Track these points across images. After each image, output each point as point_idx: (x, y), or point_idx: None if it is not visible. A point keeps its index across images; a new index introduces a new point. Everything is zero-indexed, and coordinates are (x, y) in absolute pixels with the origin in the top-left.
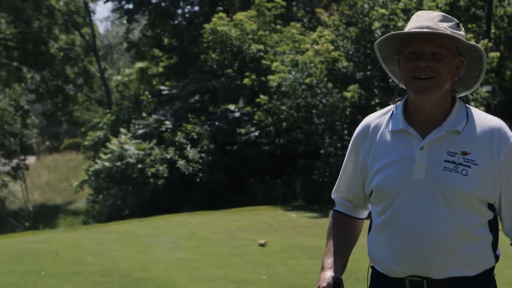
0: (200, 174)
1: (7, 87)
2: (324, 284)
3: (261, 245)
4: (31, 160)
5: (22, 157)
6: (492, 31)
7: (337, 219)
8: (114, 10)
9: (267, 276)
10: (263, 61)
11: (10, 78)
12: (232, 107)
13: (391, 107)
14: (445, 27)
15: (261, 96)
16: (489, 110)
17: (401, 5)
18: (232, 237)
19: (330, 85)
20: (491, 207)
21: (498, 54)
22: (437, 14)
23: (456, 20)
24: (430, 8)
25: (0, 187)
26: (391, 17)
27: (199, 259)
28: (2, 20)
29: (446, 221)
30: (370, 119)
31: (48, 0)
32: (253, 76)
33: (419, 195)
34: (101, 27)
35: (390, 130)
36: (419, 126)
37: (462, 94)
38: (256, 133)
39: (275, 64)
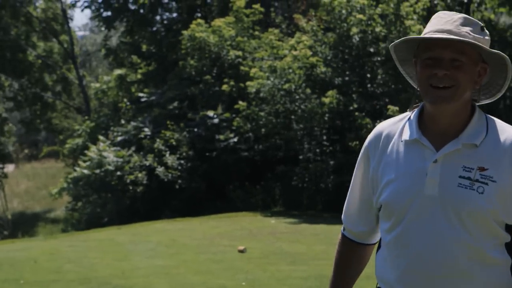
0: (179, 181)
1: None
2: None
3: (241, 251)
4: (9, 168)
5: (0, 165)
6: None
7: (344, 246)
8: (92, 18)
9: (247, 283)
10: (242, 67)
11: None
12: (211, 113)
13: (406, 114)
14: (467, 32)
15: (240, 102)
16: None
17: (378, 10)
18: (211, 243)
19: (308, 90)
20: (509, 228)
21: None
22: (459, 16)
23: (480, 23)
24: (407, 14)
25: None
26: (369, 22)
27: (178, 266)
28: None
29: (460, 242)
30: (383, 126)
31: (26, 8)
32: (232, 82)
33: (430, 212)
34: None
35: (403, 139)
36: (434, 137)
37: (484, 102)
38: (235, 139)
39: (253, 70)
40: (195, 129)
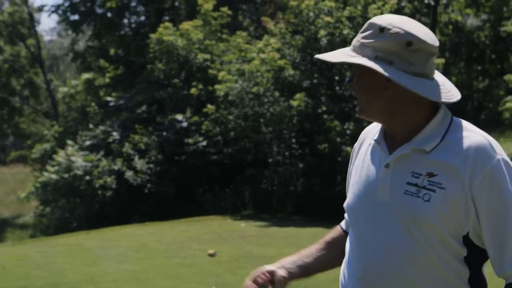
0: (149, 185)
1: None
2: (254, 276)
3: (210, 255)
4: None
5: None
6: (437, 38)
7: (333, 231)
8: (60, 22)
9: (216, 286)
10: (210, 71)
11: None
12: (179, 117)
13: None
14: (358, 40)
15: (209, 105)
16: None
17: (346, 13)
18: (181, 247)
19: (277, 93)
20: (466, 241)
21: (443, 60)
22: (366, 24)
23: (380, 24)
24: (374, 15)
25: None
26: (337, 25)
27: (147, 270)
28: None
29: (408, 254)
30: (368, 128)
31: None
32: (200, 86)
33: (381, 221)
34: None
35: (371, 142)
36: (390, 140)
37: (450, 102)
38: (204, 143)
39: (221, 73)
40: (164, 133)
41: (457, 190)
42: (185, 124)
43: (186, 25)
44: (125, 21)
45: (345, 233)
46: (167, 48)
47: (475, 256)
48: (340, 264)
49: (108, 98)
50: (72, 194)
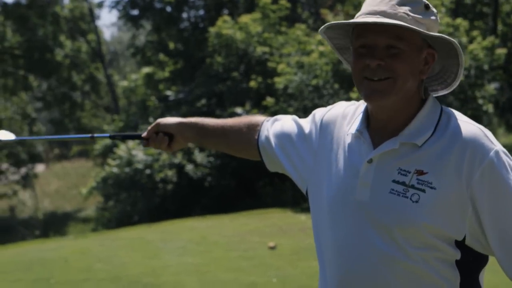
0: (209, 179)
1: (14, 96)
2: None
3: (271, 248)
4: (40, 168)
5: (30, 166)
6: (499, 28)
7: (250, 128)
8: (120, 17)
9: (277, 279)
10: (269, 64)
11: (17, 87)
12: (239, 110)
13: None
14: (405, 12)
15: (268, 98)
16: (497, 107)
17: None
18: (242, 240)
19: (336, 86)
20: (459, 244)
21: (505, 50)
22: None
23: (424, 0)
24: (436, 7)
25: (10, 195)
26: None
27: (208, 263)
28: (7, 29)
29: (391, 261)
30: (346, 107)
31: (53, 8)
32: (259, 79)
33: (360, 222)
34: (107, 33)
35: (349, 132)
36: (376, 132)
37: (440, 94)
38: None
39: (281, 66)
40: None
41: (450, 190)
42: None
43: (244, 18)
44: (184, 15)
45: (256, 145)
46: (226, 42)
47: (469, 261)
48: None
49: (168, 92)
50: (133, 188)
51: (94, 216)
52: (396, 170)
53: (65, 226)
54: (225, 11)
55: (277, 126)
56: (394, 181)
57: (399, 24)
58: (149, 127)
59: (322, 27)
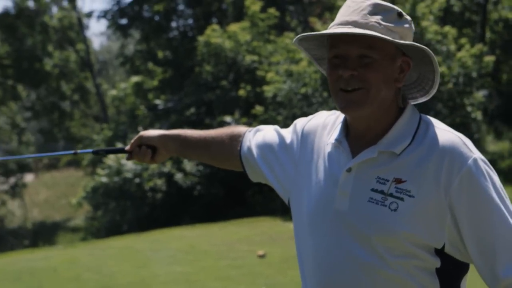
0: (198, 187)
1: (3, 105)
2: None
3: (260, 256)
4: (29, 178)
5: (19, 175)
6: (487, 35)
7: (231, 140)
8: (108, 26)
9: None
10: (258, 72)
11: (6, 97)
12: (228, 119)
13: None
14: (376, 21)
15: (257, 107)
16: (486, 115)
17: None
18: (231, 249)
19: (325, 94)
20: (439, 253)
21: (493, 58)
22: (369, 3)
23: (397, 9)
24: (423, 14)
25: None
26: None
27: (197, 272)
28: None
29: (371, 269)
30: (326, 117)
31: (42, 17)
32: (248, 87)
33: (339, 231)
34: (96, 42)
35: (328, 141)
36: (355, 141)
37: (420, 101)
38: None
39: (270, 74)
40: None
41: (429, 198)
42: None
43: (233, 27)
44: (173, 24)
45: (238, 156)
46: (215, 50)
47: (449, 269)
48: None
49: (157, 101)
50: (123, 197)
51: (83, 226)
52: (375, 179)
53: (54, 235)
54: (214, 20)
55: (259, 136)
56: (372, 189)
57: (368, 34)
58: (132, 141)
59: (295, 39)
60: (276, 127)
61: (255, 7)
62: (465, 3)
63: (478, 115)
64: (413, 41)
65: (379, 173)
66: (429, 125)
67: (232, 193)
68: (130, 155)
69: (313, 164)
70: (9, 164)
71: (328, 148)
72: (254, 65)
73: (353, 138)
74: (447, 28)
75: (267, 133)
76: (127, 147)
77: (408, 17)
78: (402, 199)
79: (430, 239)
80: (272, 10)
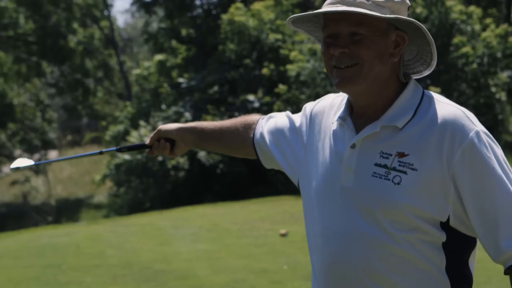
0: (221, 166)
1: (27, 82)
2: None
3: (282, 235)
4: (53, 154)
5: (43, 152)
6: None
7: (245, 128)
8: (132, 3)
9: (288, 266)
10: (282, 51)
11: (30, 73)
12: (251, 97)
13: None
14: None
15: (280, 86)
16: (510, 95)
17: None
18: (253, 227)
19: None
20: (445, 226)
21: None
22: None
23: None
24: None
25: (23, 182)
26: (410, 3)
27: (219, 250)
28: (20, 15)
29: (376, 244)
30: (333, 98)
31: None
32: (272, 66)
33: (346, 207)
34: (120, 20)
35: (334, 120)
36: (358, 117)
37: (425, 74)
38: None
39: (293, 53)
40: (236, 113)
41: (432, 171)
42: (256, 104)
43: (257, 5)
44: (197, 2)
45: (251, 143)
46: (238, 29)
47: (456, 243)
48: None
49: (180, 79)
50: (145, 175)
51: (106, 203)
52: (378, 154)
53: (77, 212)
54: None
55: (271, 123)
56: (376, 164)
57: (351, 11)
58: (151, 135)
59: (287, 20)
60: (288, 112)
61: None
62: None
63: (503, 95)
64: (438, 20)
65: (382, 147)
66: (432, 99)
67: (254, 172)
68: (151, 149)
69: (320, 144)
70: (33, 140)
71: (334, 127)
72: (278, 44)
73: (356, 115)
74: (472, 8)
75: (278, 119)
76: (147, 142)
77: None
78: (405, 172)
79: (434, 212)
80: None
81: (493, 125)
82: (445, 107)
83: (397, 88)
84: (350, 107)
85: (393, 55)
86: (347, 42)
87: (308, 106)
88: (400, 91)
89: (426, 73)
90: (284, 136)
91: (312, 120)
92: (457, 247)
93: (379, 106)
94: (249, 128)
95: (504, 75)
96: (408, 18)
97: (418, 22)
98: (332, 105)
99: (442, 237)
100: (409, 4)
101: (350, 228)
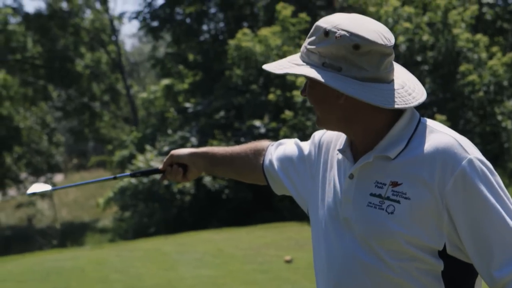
0: (226, 191)
1: (34, 105)
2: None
3: (287, 261)
4: (58, 177)
5: (49, 175)
6: None
7: (255, 154)
8: (140, 28)
9: None
10: (288, 77)
11: (37, 97)
12: (257, 123)
13: None
14: (304, 46)
15: (286, 111)
16: None
17: (425, 19)
18: (258, 253)
19: None
20: (443, 255)
21: None
22: (313, 27)
23: (324, 27)
24: (455, 22)
25: (28, 205)
26: (416, 31)
27: (224, 276)
28: (29, 39)
29: (374, 274)
30: (332, 132)
31: (74, 19)
32: (278, 92)
33: (346, 238)
34: (128, 44)
35: (337, 150)
36: (356, 148)
37: (413, 105)
38: None
39: (300, 79)
40: (242, 139)
41: (425, 200)
42: (263, 130)
43: (264, 31)
44: (204, 27)
45: (261, 169)
46: (245, 54)
47: (455, 272)
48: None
49: (187, 104)
50: (151, 199)
51: (111, 227)
52: (373, 184)
53: (82, 236)
54: (245, 24)
55: (280, 150)
56: (371, 194)
57: (280, 73)
58: (164, 160)
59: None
60: (297, 140)
61: (287, 11)
62: (497, 11)
63: (509, 124)
64: (445, 48)
65: (377, 177)
66: (427, 127)
67: (259, 198)
68: (164, 175)
69: (326, 174)
70: (39, 164)
71: (337, 157)
72: None
73: (354, 146)
74: (478, 36)
75: (288, 146)
76: (160, 167)
77: (338, 32)
78: (398, 201)
79: (429, 241)
80: (303, 15)
81: (499, 153)
82: (439, 136)
83: (389, 118)
84: (349, 139)
85: (338, 97)
86: (307, 88)
87: (317, 135)
88: (395, 120)
89: (422, 99)
90: (293, 164)
91: (320, 149)
92: (457, 275)
93: (370, 138)
94: (259, 154)
95: (510, 104)
96: (297, 73)
97: (312, 75)
98: (338, 134)
99: (440, 266)
100: (357, 41)
101: (350, 257)
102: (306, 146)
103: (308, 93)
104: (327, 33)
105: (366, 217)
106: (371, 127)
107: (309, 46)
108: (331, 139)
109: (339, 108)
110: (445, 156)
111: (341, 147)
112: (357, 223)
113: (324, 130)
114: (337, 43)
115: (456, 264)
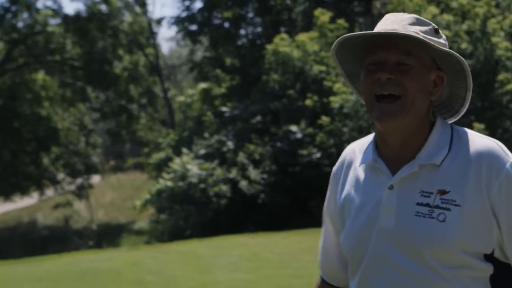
0: (262, 195)
1: (72, 106)
2: None
3: None
4: (95, 179)
5: (86, 176)
6: None
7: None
8: (178, 31)
9: None
10: (325, 82)
11: (75, 98)
12: (294, 128)
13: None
14: (416, 31)
15: (323, 117)
16: None
17: (464, 27)
18: (293, 258)
19: None
20: (489, 258)
21: None
22: (409, 16)
23: (433, 24)
24: (494, 31)
25: (65, 205)
26: (455, 39)
27: (259, 280)
28: (68, 41)
29: (426, 283)
30: (349, 148)
31: (113, 21)
32: (315, 97)
33: (389, 250)
34: (165, 47)
35: (360, 164)
36: (390, 159)
37: (449, 122)
38: (318, 155)
39: (337, 85)
40: (278, 144)
41: (474, 205)
42: (299, 135)
43: (302, 37)
44: (242, 32)
45: (328, 285)
46: (282, 59)
47: (503, 276)
48: None
49: (224, 108)
50: (187, 202)
51: (147, 229)
52: (419, 193)
53: (118, 237)
54: (283, 29)
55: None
56: (418, 203)
57: (411, 35)
58: None
59: (336, 41)
60: (324, 217)
61: (324, 17)
62: None
63: None
64: (483, 57)
65: (422, 186)
66: (463, 134)
67: (296, 203)
68: None
69: (351, 194)
70: (77, 165)
71: (362, 172)
72: (322, 75)
73: (387, 156)
74: None
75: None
76: None
77: (443, 36)
78: (449, 209)
79: (480, 246)
80: (341, 21)
81: None
82: (478, 140)
83: (428, 127)
84: (377, 149)
85: (432, 94)
86: (393, 70)
87: (333, 170)
88: (430, 130)
89: (452, 120)
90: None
91: (337, 177)
92: (505, 280)
93: (414, 145)
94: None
95: None
96: (459, 56)
97: (465, 63)
98: (354, 153)
99: (489, 269)
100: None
101: (397, 270)
102: (329, 194)
103: (410, 76)
104: (437, 31)
105: (416, 227)
106: (420, 132)
107: (425, 36)
108: (344, 162)
109: (427, 103)
110: (490, 160)
111: (365, 159)
112: (405, 234)
113: (338, 161)
114: (445, 43)
115: (503, 267)
